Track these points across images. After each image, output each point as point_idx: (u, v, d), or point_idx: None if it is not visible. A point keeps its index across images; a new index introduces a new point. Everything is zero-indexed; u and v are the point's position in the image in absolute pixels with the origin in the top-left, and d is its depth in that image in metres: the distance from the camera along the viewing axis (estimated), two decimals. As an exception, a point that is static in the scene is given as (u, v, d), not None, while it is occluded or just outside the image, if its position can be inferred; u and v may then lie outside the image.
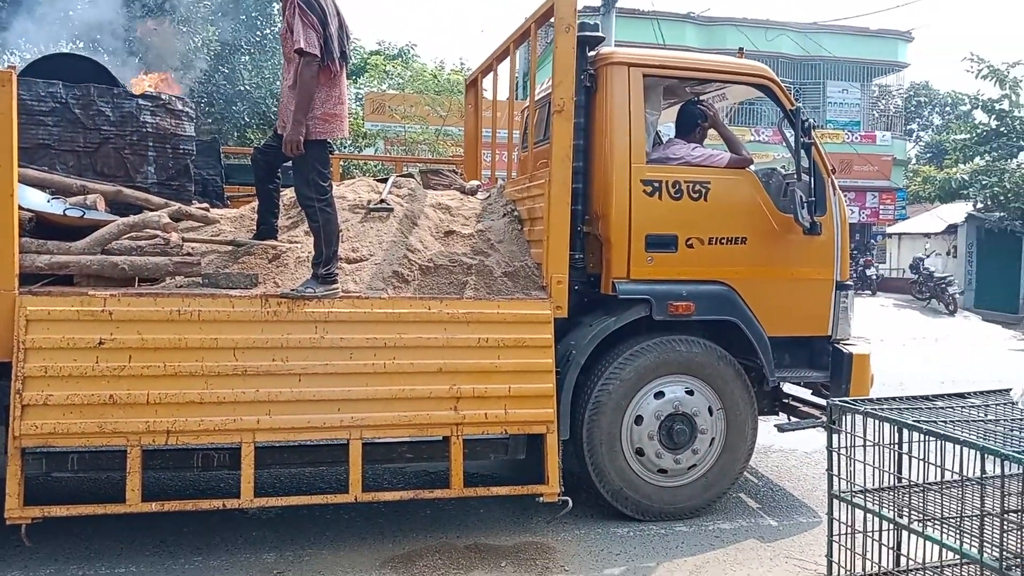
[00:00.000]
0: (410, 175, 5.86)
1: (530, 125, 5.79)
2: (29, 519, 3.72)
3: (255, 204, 4.90)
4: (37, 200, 4.27)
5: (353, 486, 4.07)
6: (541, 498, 4.34)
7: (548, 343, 4.36)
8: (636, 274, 4.69)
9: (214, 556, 4.14)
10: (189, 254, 4.24)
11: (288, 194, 4.91)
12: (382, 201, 5.02)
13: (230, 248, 4.54)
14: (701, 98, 5.44)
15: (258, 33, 13.04)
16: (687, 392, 4.73)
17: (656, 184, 4.72)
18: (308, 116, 3.97)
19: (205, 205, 5.09)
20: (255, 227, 4.69)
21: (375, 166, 13.14)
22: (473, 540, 4.40)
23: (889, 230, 28.03)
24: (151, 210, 4.60)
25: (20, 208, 3.84)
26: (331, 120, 4.09)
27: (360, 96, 21.96)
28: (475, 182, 6.19)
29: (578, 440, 4.59)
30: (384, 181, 5.41)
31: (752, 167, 5.07)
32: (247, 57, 13.07)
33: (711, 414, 4.77)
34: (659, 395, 4.69)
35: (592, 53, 4.83)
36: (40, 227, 4.08)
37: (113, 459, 3.93)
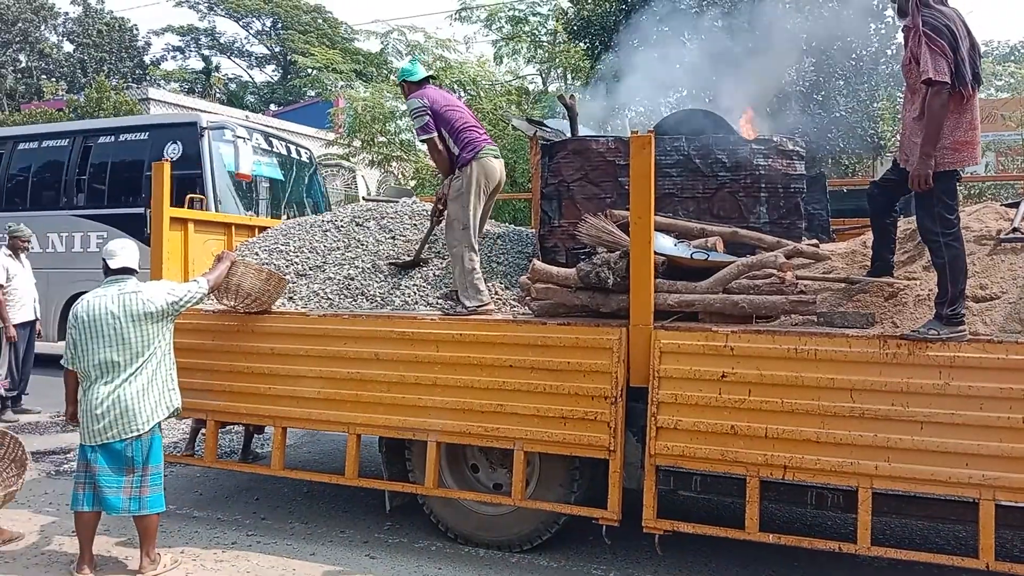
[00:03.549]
0: (1049, 196, 5.05)
1: None
2: (662, 530, 4.19)
3: (866, 238, 4.76)
4: (666, 244, 4.80)
5: (984, 552, 3.64)
6: None
7: None
8: None
9: (827, 598, 4.10)
10: (803, 292, 4.31)
11: (903, 226, 4.65)
12: (1015, 230, 4.42)
13: (844, 286, 4.49)
14: None
15: (852, 56, 12.74)
16: None
17: None
18: (936, 146, 3.71)
19: (815, 242, 5.13)
20: (869, 263, 4.55)
21: (989, 187, 11.68)
22: None
23: None
24: (764, 249, 4.81)
25: (655, 253, 4.37)
26: (962, 148, 3.75)
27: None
28: None
29: None
30: (1015, 206, 4.76)
31: None
32: (841, 82, 12.87)
33: None
34: None
35: None
36: (670, 269, 4.58)
37: (731, 486, 4.17)
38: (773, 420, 3.93)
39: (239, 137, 10.71)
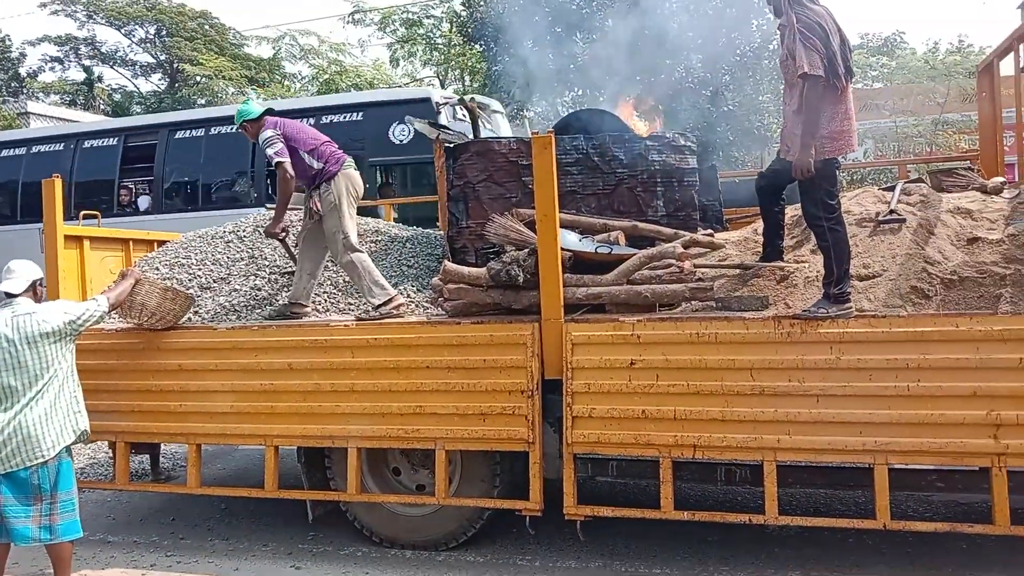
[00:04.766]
0: (920, 180, 5.44)
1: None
2: (583, 516, 4.32)
3: (757, 226, 5.02)
4: (572, 240, 4.94)
5: (880, 513, 3.92)
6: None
7: (1120, 364, 3.68)
8: None
9: (741, 567, 4.33)
10: (702, 280, 4.52)
11: (791, 213, 4.94)
12: (891, 211, 4.76)
13: (738, 272, 4.73)
14: None
15: (737, 52, 13.30)
16: None
17: None
18: (815, 137, 3.97)
19: (710, 231, 5.37)
20: (761, 249, 4.81)
21: (869, 173, 12.38)
22: (1027, 584, 3.90)
23: None
24: (663, 241, 5.00)
25: (562, 249, 4.50)
26: (839, 137, 4.02)
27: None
28: (998, 179, 5.49)
29: None
30: (891, 189, 5.12)
31: None
32: (728, 77, 13.41)
33: None
34: None
35: None
36: (577, 264, 4.72)
37: (646, 468, 4.35)
38: (681, 402, 4.11)
39: (495, 112, 9.26)
